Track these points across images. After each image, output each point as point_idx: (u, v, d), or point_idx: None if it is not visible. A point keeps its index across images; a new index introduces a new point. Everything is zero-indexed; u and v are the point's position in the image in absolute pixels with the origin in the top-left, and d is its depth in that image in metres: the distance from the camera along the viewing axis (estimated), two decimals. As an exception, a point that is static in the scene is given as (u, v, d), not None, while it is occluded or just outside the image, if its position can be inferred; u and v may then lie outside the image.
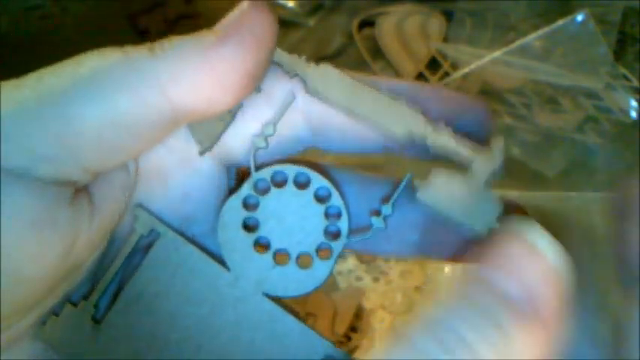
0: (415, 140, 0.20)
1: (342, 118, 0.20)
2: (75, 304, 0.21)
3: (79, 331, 0.21)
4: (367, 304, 0.47)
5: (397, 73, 0.59)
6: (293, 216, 0.21)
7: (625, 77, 0.54)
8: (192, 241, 0.21)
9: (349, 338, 0.46)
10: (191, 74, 0.18)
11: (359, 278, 0.49)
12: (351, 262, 0.50)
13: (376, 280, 0.49)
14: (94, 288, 0.21)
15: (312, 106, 0.21)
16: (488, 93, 0.55)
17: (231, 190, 0.21)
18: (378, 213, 0.21)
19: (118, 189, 0.20)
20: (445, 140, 0.20)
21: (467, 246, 0.20)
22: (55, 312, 0.21)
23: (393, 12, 0.63)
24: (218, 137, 0.21)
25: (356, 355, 0.45)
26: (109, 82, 0.17)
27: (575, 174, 0.52)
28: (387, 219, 0.21)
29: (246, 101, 0.20)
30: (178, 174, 0.21)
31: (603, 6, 0.56)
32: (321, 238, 0.21)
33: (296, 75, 0.20)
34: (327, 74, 0.20)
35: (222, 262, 0.21)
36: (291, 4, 0.64)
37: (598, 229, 0.48)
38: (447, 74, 0.57)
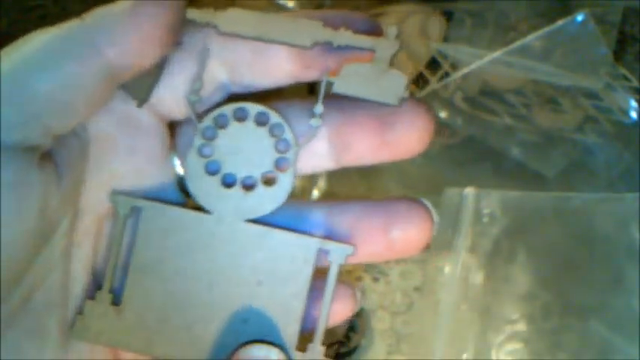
0: (321, 45, 0.23)
1: (254, 55, 0.23)
2: (92, 298, 0.23)
3: (105, 319, 0.23)
4: (367, 304, 0.47)
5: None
6: (247, 145, 0.24)
7: (625, 77, 0.54)
8: (150, 197, 0.24)
9: (349, 338, 0.46)
10: (121, 33, 0.21)
11: (359, 278, 0.49)
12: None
13: (376, 280, 0.49)
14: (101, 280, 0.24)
15: (226, 50, 0.23)
16: (488, 93, 0.55)
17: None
18: (313, 115, 0.24)
19: (76, 153, 0.22)
20: (347, 38, 0.23)
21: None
22: (79, 311, 0.23)
23: (393, 12, 0.63)
24: (151, 89, 0.23)
25: (356, 355, 0.45)
26: (52, 52, 0.20)
27: (575, 174, 0.52)
28: (322, 116, 0.24)
29: (171, 57, 0.23)
30: (122, 133, 0.23)
31: (603, 6, 0.56)
32: (275, 155, 0.24)
33: (207, 24, 0.23)
34: (235, 15, 0.23)
35: (199, 208, 0.24)
36: (291, 4, 0.64)
37: (598, 229, 0.48)
38: (447, 74, 0.57)
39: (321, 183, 0.53)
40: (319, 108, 0.24)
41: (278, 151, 0.24)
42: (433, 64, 0.58)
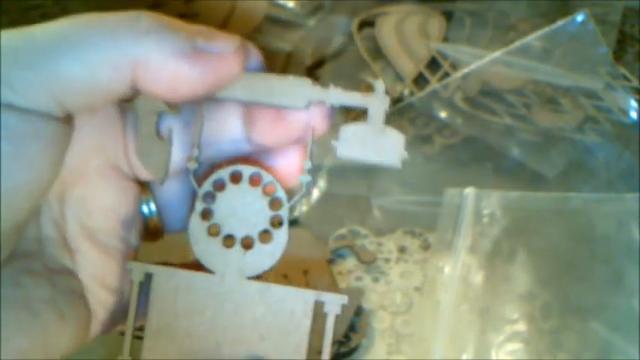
0: (313, 104, 0.24)
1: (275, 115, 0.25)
2: None
3: None
4: (367, 304, 0.47)
5: (397, 73, 0.59)
6: (244, 206, 0.25)
7: (625, 77, 0.54)
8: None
9: (349, 338, 0.46)
10: (157, 67, 0.21)
11: (359, 278, 0.49)
12: (351, 262, 0.50)
13: (376, 280, 0.49)
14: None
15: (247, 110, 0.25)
16: (488, 93, 0.55)
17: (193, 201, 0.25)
18: (302, 171, 0.25)
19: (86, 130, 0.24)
20: (339, 97, 0.24)
21: None
22: None
23: (393, 12, 0.63)
24: (167, 165, 0.25)
25: (356, 355, 0.45)
26: (89, 47, 0.21)
27: (575, 174, 0.52)
28: (311, 171, 0.25)
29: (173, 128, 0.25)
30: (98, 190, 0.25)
31: (603, 6, 0.56)
32: (270, 213, 0.25)
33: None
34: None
35: (203, 268, 0.25)
36: (291, 4, 0.64)
37: (598, 229, 0.48)
38: (447, 74, 0.57)
39: (321, 183, 0.53)
40: (308, 164, 0.25)
41: (272, 208, 0.25)
42: (433, 64, 0.58)
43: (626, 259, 0.44)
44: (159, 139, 0.25)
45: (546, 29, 0.53)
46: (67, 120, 0.22)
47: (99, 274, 0.25)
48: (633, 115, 0.53)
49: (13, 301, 0.22)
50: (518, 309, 0.44)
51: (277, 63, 0.61)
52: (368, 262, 0.49)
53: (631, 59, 0.56)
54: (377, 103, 0.24)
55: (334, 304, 0.24)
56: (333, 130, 0.25)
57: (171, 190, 0.27)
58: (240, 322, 0.25)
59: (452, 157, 0.54)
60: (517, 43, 0.53)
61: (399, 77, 0.59)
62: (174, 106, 0.25)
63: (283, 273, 0.44)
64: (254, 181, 0.25)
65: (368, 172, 0.53)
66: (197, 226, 0.25)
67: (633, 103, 0.53)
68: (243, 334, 0.24)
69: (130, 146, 0.25)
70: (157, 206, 0.27)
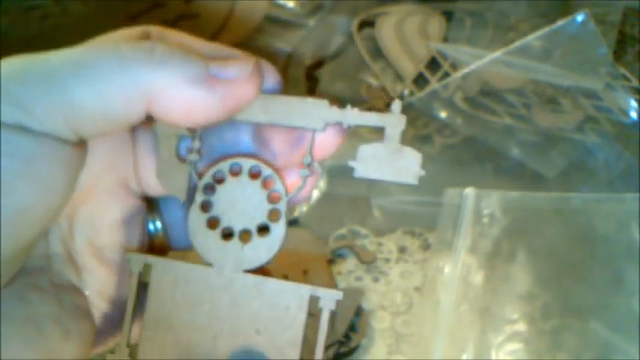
0: (330, 124, 0.24)
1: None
2: (112, 352, 0.25)
3: None
4: (367, 305, 0.47)
5: (397, 73, 0.59)
6: (243, 198, 0.25)
7: (625, 77, 0.54)
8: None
9: (349, 338, 0.46)
10: (173, 96, 0.21)
11: (359, 278, 0.49)
12: (351, 262, 0.50)
13: (376, 280, 0.49)
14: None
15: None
16: (488, 93, 0.55)
17: (190, 198, 0.26)
18: (303, 165, 0.25)
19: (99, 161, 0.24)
20: (356, 117, 0.24)
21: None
22: None
23: (393, 12, 0.63)
24: (187, 186, 0.25)
25: (356, 355, 0.45)
26: (103, 76, 0.21)
27: (575, 174, 0.52)
28: (311, 165, 0.25)
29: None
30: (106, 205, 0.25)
31: (603, 6, 0.56)
32: (268, 206, 0.25)
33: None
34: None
35: (203, 262, 0.25)
36: (291, 4, 0.64)
37: (598, 229, 0.48)
38: (447, 74, 0.57)
39: (321, 183, 0.53)
40: (308, 159, 0.25)
41: (270, 202, 0.25)
42: (433, 64, 0.58)
43: (626, 260, 0.44)
44: (179, 161, 0.25)
45: (546, 29, 0.53)
46: (81, 144, 0.22)
47: (105, 290, 0.25)
48: (633, 115, 0.53)
49: (19, 317, 0.22)
50: (518, 309, 0.44)
51: (277, 63, 0.61)
52: (368, 262, 0.49)
53: (631, 59, 0.56)
54: (394, 123, 0.24)
55: (329, 299, 0.25)
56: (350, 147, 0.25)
57: (177, 208, 0.27)
58: (237, 315, 0.25)
59: (452, 157, 0.54)
60: (517, 43, 0.53)
61: (399, 77, 0.59)
62: (193, 130, 0.25)
63: (283, 273, 0.44)
64: (253, 174, 0.25)
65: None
66: (196, 219, 0.25)
67: (633, 103, 0.53)
68: (239, 327, 0.25)
69: (141, 164, 0.26)
70: (163, 223, 0.27)
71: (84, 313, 0.25)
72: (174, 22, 0.60)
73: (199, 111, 0.22)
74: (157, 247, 0.27)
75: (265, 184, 0.25)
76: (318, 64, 0.61)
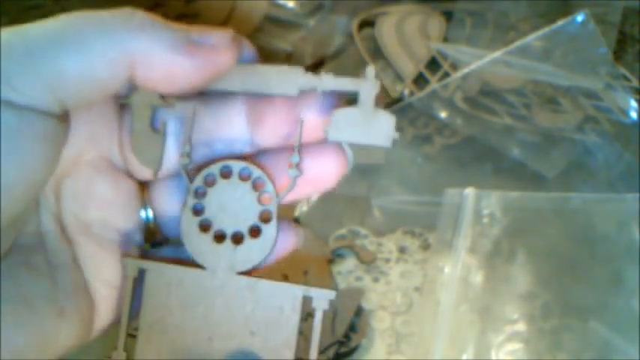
0: (305, 91, 0.24)
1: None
2: (109, 357, 0.25)
3: None
4: (367, 304, 0.47)
5: (397, 73, 0.59)
6: (234, 200, 0.25)
7: (625, 77, 0.54)
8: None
9: (349, 338, 0.46)
10: (154, 62, 0.22)
11: (359, 278, 0.49)
12: (351, 262, 0.50)
13: (376, 280, 0.49)
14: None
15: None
16: (488, 93, 0.55)
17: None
18: (291, 165, 0.25)
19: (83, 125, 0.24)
20: (330, 83, 0.24)
21: None
22: None
23: (393, 12, 0.63)
24: (161, 158, 0.25)
25: (356, 355, 0.45)
26: (86, 43, 0.21)
27: (575, 174, 0.52)
28: (299, 165, 0.25)
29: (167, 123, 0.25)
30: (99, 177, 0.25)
31: (603, 6, 0.56)
32: (259, 207, 0.25)
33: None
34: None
35: (195, 264, 0.25)
36: (291, 4, 0.64)
37: (598, 229, 0.48)
38: (447, 74, 0.57)
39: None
40: (296, 158, 0.25)
41: (261, 203, 0.25)
42: (433, 64, 0.58)
43: (626, 259, 0.44)
44: (153, 132, 0.25)
45: (546, 29, 0.53)
46: (64, 117, 0.22)
47: (98, 269, 0.25)
48: (633, 115, 0.53)
49: (11, 296, 0.22)
50: (518, 309, 0.44)
51: (277, 63, 0.60)
52: (368, 262, 0.49)
53: (631, 59, 0.56)
54: (368, 87, 0.24)
55: (322, 299, 0.25)
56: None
57: (168, 197, 0.27)
58: (231, 317, 0.25)
59: (452, 157, 0.54)
60: (517, 43, 0.53)
61: (399, 77, 0.59)
62: (169, 101, 0.25)
63: (283, 273, 0.44)
64: (243, 176, 0.25)
65: (368, 172, 0.53)
66: (188, 222, 0.25)
67: (633, 103, 0.53)
68: (233, 329, 0.25)
69: (125, 141, 0.25)
70: (154, 213, 0.27)
71: (81, 292, 0.24)
72: (174, 22, 0.60)
73: (180, 76, 0.22)
74: (149, 235, 0.27)
75: (256, 186, 0.25)
76: (318, 64, 0.61)
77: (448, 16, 0.61)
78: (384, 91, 0.58)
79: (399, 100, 0.57)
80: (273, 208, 0.25)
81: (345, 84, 0.24)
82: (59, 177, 0.24)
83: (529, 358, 0.43)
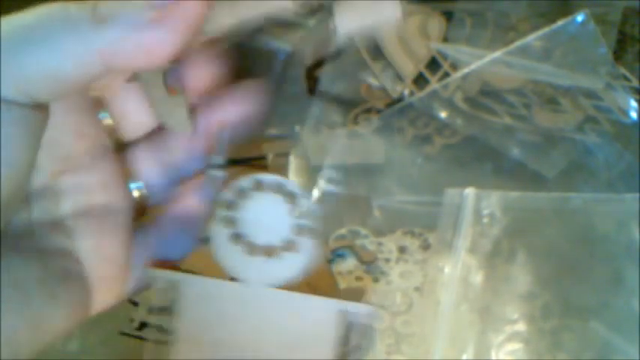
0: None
1: None
2: None
3: None
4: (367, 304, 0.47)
5: (397, 73, 0.59)
6: (267, 213, 0.25)
7: (625, 77, 0.54)
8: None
9: (349, 338, 0.46)
10: (126, 47, 0.21)
11: (359, 278, 0.49)
12: (351, 262, 0.50)
13: (376, 280, 0.49)
14: None
15: None
16: (488, 93, 0.55)
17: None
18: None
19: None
20: None
21: None
22: None
23: (393, 12, 0.63)
24: (189, 116, 0.24)
25: (356, 355, 0.45)
26: (53, 42, 0.21)
27: (575, 174, 0.52)
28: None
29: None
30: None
31: (603, 6, 0.56)
32: (294, 222, 0.25)
33: None
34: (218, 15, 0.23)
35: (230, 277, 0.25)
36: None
37: (598, 229, 0.48)
38: (447, 74, 0.57)
39: (322, 183, 0.53)
40: (331, 173, 0.25)
41: (295, 217, 0.25)
42: (433, 64, 0.58)
43: (626, 259, 0.44)
44: (172, 94, 0.24)
45: (546, 29, 0.53)
46: (40, 107, 0.22)
47: (97, 251, 0.25)
48: (633, 115, 0.53)
49: (2, 281, 0.22)
50: (518, 309, 0.44)
51: (277, 63, 0.61)
52: (368, 262, 0.49)
53: (631, 59, 0.56)
54: None
55: (359, 314, 0.24)
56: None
57: (148, 163, 0.27)
58: (265, 329, 0.25)
59: (452, 157, 0.54)
60: (517, 43, 0.53)
61: (399, 77, 0.59)
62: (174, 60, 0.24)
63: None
64: (277, 189, 0.25)
65: (368, 172, 0.53)
66: (219, 233, 0.25)
67: (633, 103, 0.53)
68: (267, 342, 0.25)
69: (126, 117, 0.25)
70: (142, 181, 0.26)
71: (74, 276, 0.24)
72: None
73: (159, 50, 0.22)
74: (137, 206, 0.27)
75: (290, 200, 0.25)
76: (318, 64, 0.61)
77: (448, 16, 0.61)
78: (384, 90, 0.58)
79: (399, 100, 0.57)
80: (309, 222, 0.25)
81: None
82: (54, 173, 0.24)
83: (529, 358, 0.43)
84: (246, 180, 0.25)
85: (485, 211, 0.48)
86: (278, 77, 0.58)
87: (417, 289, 0.48)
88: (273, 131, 0.56)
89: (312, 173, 0.51)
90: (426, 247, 0.50)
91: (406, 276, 0.49)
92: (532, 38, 0.53)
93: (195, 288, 0.25)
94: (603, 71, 0.52)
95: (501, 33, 0.58)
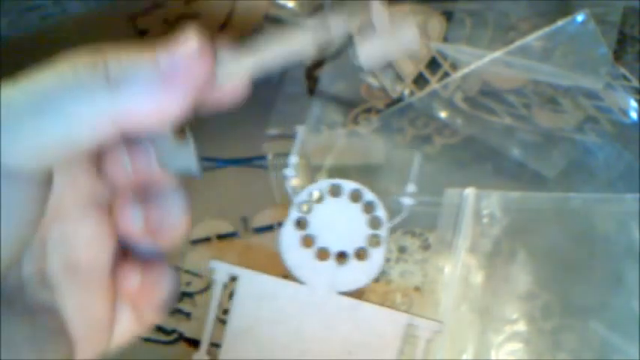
0: (328, 42, 0.23)
1: None
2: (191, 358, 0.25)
3: None
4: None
5: (397, 73, 0.59)
6: (342, 220, 0.25)
7: (625, 77, 0.54)
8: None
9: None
10: (140, 110, 0.21)
11: (359, 278, 0.49)
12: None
13: (376, 280, 0.49)
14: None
15: None
16: (488, 93, 0.55)
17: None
18: (404, 193, 0.25)
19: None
20: (341, 23, 0.23)
21: None
22: None
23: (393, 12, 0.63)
24: (197, 159, 0.24)
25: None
26: (67, 110, 0.21)
27: (575, 174, 0.52)
28: (413, 195, 0.23)
29: None
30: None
31: (603, 6, 0.56)
32: (369, 231, 0.25)
33: None
34: (231, 65, 0.23)
35: (293, 279, 0.25)
36: (291, 4, 0.64)
37: (598, 229, 0.48)
38: (447, 74, 0.57)
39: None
40: (413, 186, 0.25)
41: (371, 227, 0.25)
42: (433, 64, 0.58)
43: (626, 259, 0.44)
44: (179, 140, 0.24)
45: (546, 29, 0.53)
46: (48, 178, 0.22)
47: (82, 309, 0.25)
48: (633, 115, 0.53)
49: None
50: (518, 309, 0.44)
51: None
52: (368, 262, 0.49)
53: (631, 59, 0.56)
54: (376, 10, 0.23)
55: (427, 329, 0.24)
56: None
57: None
58: (327, 335, 0.24)
59: (452, 157, 0.54)
60: (517, 43, 0.53)
61: (399, 77, 0.59)
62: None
63: (284, 273, 0.44)
64: (355, 197, 0.25)
65: (368, 172, 0.53)
66: (290, 235, 0.25)
67: (633, 103, 0.53)
68: (328, 348, 0.24)
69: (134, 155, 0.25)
70: None
71: (59, 333, 0.24)
72: (174, 22, 0.60)
73: (171, 110, 0.22)
74: None
75: (366, 209, 0.25)
76: (318, 64, 0.61)
77: (448, 16, 0.61)
78: (384, 90, 0.58)
79: (399, 100, 0.57)
80: (383, 234, 0.25)
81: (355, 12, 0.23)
82: (44, 224, 0.24)
83: (529, 358, 0.43)
84: (323, 183, 0.25)
85: (485, 211, 0.48)
86: (278, 77, 0.58)
87: (417, 289, 0.48)
88: (273, 131, 0.57)
89: (312, 173, 0.51)
90: (426, 247, 0.50)
91: (406, 276, 0.49)
92: (532, 38, 0.53)
93: (253, 284, 0.25)
94: (603, 71, 0.52)
95: (501, 33, 0.58)
